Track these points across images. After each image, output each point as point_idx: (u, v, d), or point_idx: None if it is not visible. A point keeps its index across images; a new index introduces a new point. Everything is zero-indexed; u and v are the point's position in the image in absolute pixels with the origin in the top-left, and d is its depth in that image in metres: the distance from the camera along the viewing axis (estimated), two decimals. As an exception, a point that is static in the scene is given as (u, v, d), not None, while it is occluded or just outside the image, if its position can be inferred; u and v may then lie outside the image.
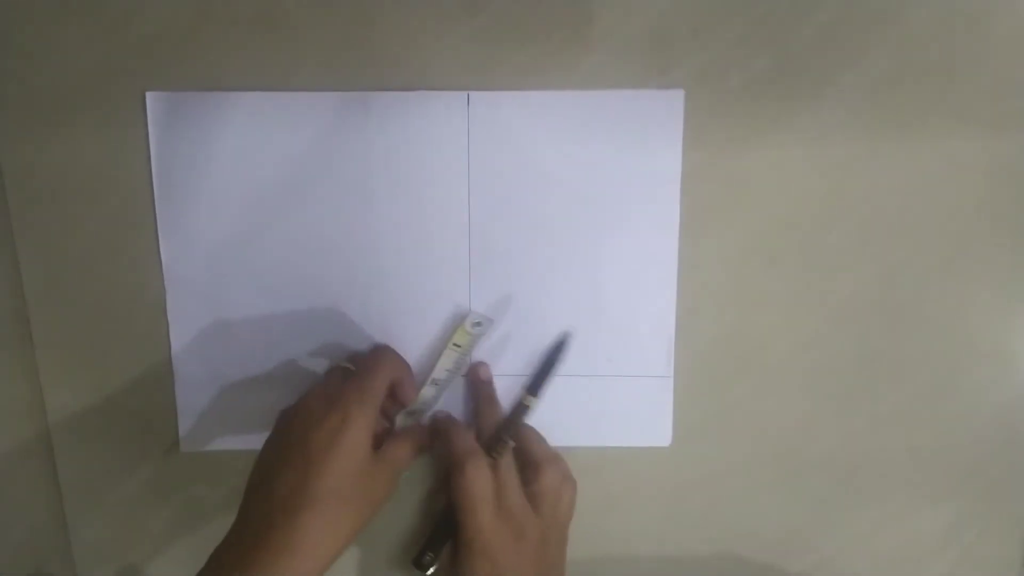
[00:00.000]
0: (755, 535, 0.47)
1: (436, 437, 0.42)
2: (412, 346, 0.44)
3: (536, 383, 0.43)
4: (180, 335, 0.43)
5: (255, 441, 0.39)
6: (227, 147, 0.42)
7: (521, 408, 0.42)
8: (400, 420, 0.43)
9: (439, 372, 0.43)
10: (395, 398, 0.42)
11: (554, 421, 0.44)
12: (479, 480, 0.39)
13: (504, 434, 0.41)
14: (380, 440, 0.39)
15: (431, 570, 0.41)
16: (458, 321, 0.43)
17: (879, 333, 0.44)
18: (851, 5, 0.41)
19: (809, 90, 0.42)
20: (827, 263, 0.44)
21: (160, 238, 0.42)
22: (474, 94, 0.42)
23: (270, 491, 0.35)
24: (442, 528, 0.42)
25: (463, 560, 0.39)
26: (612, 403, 0.45)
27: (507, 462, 0.41)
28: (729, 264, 0.44)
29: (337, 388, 0.38)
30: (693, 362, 0.44)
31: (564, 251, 0.43)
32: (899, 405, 0.45)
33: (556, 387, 0.44)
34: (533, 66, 0.41)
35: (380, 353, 0.42)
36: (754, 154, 0.42)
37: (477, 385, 0.44)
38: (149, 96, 0.41)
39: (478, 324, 0.43)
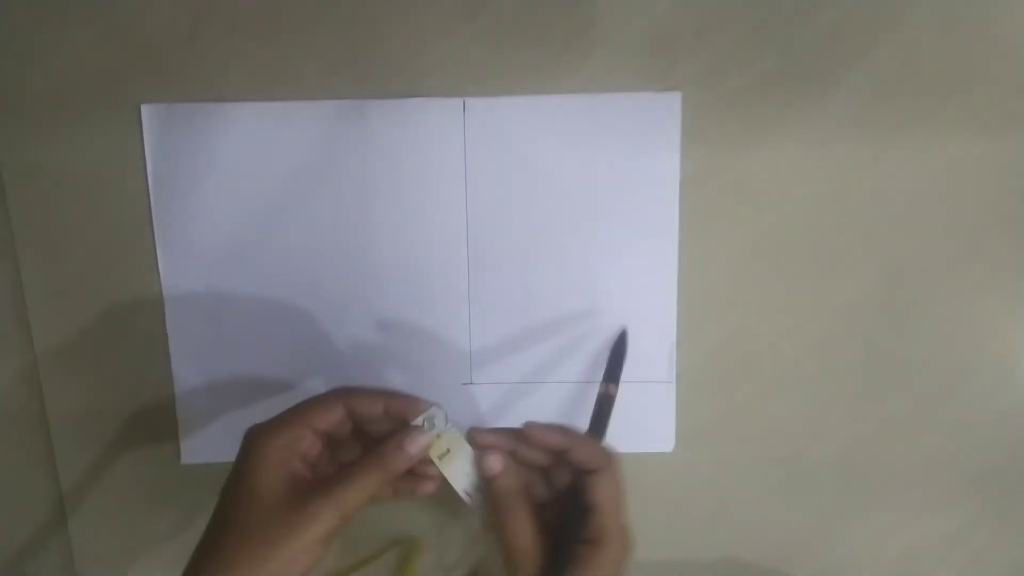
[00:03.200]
0: (760, 540, 0.46)
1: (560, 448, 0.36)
2: (413, 353, 0.44)
3: (613, 374, 0.41)
4: (179, 346, 0.43)
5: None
6: (223, 158, 0.42)
7: (606, 399, 0.40)
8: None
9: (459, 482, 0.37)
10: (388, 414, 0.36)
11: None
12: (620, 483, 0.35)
13: (597, 431, 0.39)
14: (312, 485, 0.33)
15: None
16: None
17: (884, 336, 0.44)
18: (855, 6, 0.40)
19: (812, 91, 0.41)
20: (830, 266, 0.43)
21: (158, 250, 0.42)
22: (470, 100, 0.41)
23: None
24: (560, 551, 0.35)
25: (605, 561, 0.34)
26: (614, 408, 0.44)
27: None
28: (730, 267, 0.43)
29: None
30: (695, 367, 0.44)
31: (563, 256, 0.43)
32: (905, 409, 0.45)
33: (558, 394, 0.44)
34: (531, 71, 0.41)
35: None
36: (758, 156, 0.42)
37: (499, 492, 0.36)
38: (144, 109, 0.41)
39: (431, 419, 0.36)
